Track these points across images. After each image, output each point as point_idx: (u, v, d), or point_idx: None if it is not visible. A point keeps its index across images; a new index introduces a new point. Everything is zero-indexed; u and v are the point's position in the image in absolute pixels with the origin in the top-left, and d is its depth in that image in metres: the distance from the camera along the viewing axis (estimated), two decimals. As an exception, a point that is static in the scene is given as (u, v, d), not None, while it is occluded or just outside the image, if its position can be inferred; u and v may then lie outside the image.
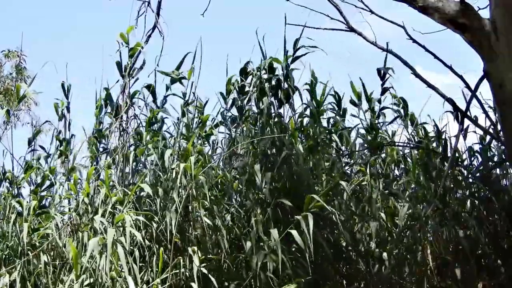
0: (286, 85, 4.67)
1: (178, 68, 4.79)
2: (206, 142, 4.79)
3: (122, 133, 4.57)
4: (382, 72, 5.09)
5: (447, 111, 4.78)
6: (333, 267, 4.18)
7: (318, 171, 4.44)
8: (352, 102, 5.25)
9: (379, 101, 5.16)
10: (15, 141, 4.71)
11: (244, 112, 4.79)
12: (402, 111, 5.22)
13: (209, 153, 4.61)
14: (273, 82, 4.70)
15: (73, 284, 3.33)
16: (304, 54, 4.73)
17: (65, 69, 4.92)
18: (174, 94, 4.84)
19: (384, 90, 5.16)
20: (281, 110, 4.69)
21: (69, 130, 4.86)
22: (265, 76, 4.72)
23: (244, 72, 4.80)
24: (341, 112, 5.25)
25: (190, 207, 3.86)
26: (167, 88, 4.81)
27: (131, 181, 4.34)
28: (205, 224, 3.75)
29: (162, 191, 3.86)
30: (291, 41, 4.74)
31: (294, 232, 3.64)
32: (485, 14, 3.98)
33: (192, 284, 3.42)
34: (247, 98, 4.79)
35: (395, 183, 4.90)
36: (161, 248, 3.47)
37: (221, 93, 4.90)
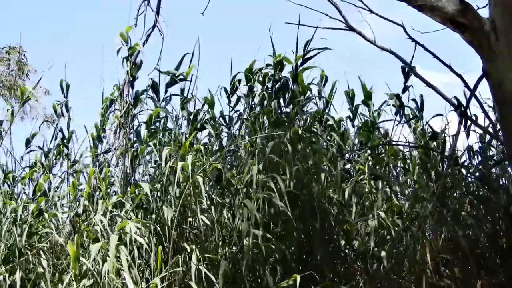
0: (294, 86, 4.69)
1: (177, 68, 4.79)
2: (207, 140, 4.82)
3: (123, 131, 4.58)
4: (406, 70, 5.03)
5: (451, 110, 4.81)
6: (330, 266, 4.19)
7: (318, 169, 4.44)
8: (364, 102, 5.28)
9: (399, 98, 5.16)
10: (24, 136, 4.74)
11: (245, 111, 4.80)
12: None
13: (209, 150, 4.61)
14: (281, 82, 4.71)
15: (73, 285, 3.33)
16: (314, 55, 4.75)
17: (66, 68, 4.95)
18: (174, 95, 4.84)
19: (405, 88, 5.15)
20: (288, 110, 4.70)
21: (68, 129, 4.86)
22: (271, 73, 4.73)
23: (250, 71, 4.80)
24: (353, 108, 5.29)
25: (187, 205, 3.86)
26: (166, 88, 4.81)
27: (131, 180, 4.35)
28: (201, 223, 3.74)
29: (160, 187, 3.87)
30: (290, 40, 4.75)
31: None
32: (484, 13, 3.99)
33: (191, 282, 3.43)
34: (250, 98, 4.79)
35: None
36: (159, 246, 3.47)
37: (225, 88, 4.91)
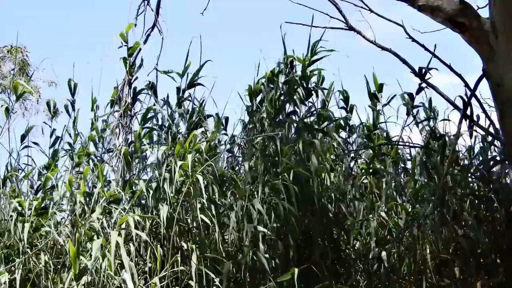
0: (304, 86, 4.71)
1: (197, 72, 4.79)
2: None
3: (122, 130, 4.59)
4: (423, 71, 4.91)
5: (452, 110, 4.81)
6: (330, 265, 4.18)
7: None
8: (372, 94, 5.26)
9: (412, 98, 5.13)
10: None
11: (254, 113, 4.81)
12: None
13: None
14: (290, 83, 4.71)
15: (73, 284, 3.33)
16: (322, 57, 4.76)
17: (66, 68, 4.97)
18: (189, 100, 4.84)
19: (419, 89, 5.10)
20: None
21: (73, 128, 4.87)
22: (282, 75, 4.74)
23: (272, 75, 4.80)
24: (348, 109, 5.29)
25: (187, 205, 3.87)
26: (182, 92, 4.82)
27: (127, 178, 4.37)
28: (201, 222, 3.74)
29: (156, 186, 3.89)
30: (290, 40, 4.77)
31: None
32: (484, 13, 3.99)
33: (190, 282, 3.43)
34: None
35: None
36: (158, 245, 3.47)
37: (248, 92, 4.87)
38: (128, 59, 4.79)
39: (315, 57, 4.73)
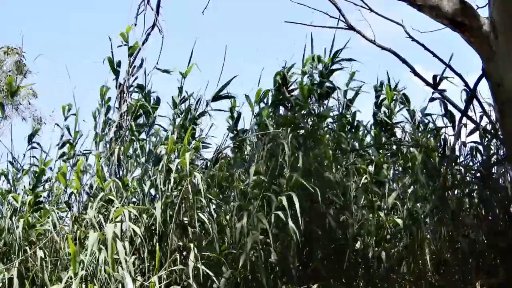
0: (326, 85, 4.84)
1: (221, 91, 4.80)
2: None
3: (118, 129, 4.60)
4: (437, 78, 4.82)
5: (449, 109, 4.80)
6: (330, 266, 4.18)
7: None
8: (386, 106, 5.33)
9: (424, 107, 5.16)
10: (14, 136, 4.76)
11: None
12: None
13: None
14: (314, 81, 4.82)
15: (71, 282, 3.32)
16: (340, 68, 4.92)
17: (66, 69, 4.98)
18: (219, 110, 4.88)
19: (432, 99, 5.01)
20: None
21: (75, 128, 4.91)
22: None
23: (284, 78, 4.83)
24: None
25: (185, 204, 3.86)
26: (207, 104, 4.84)
27: (122, 174, 4.38)
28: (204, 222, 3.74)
29: (151, 184, 3.89)
30: (290, 39, 4.78)
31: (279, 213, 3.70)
32: (484, 13, 3.99)
33: (190, 281, 3.42)
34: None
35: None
36: (157, 244, 3.46)
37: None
38: (128, 58, 4.81)
39: (335, 66, 4.89)
